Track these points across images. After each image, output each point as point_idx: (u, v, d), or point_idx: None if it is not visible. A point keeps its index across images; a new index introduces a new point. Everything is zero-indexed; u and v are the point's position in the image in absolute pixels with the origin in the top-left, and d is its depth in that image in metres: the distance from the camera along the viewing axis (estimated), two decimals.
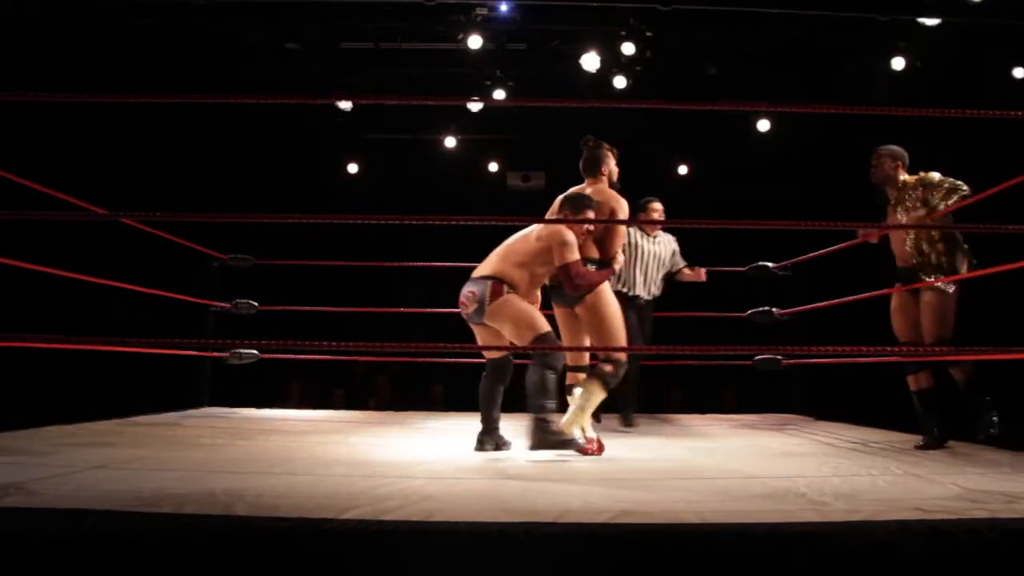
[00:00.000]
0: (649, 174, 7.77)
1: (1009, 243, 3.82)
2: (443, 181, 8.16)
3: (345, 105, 7.25)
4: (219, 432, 4.19)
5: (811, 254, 5.25)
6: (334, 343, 3.12)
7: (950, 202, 3.91)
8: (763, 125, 7.50)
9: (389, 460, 3.33)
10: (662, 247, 5.06)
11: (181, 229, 5.12)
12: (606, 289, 3.62)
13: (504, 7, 6.44)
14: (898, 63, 6.61)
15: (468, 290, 3.63)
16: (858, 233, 4.36)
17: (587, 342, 3.70)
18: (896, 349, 3.90)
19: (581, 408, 3.53)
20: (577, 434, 3.51)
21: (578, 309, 3.63)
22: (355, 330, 7.66)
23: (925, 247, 3.97)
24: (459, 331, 4.02)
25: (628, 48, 6.56)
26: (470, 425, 4.58)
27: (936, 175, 4.01)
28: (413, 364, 7.33)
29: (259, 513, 2.10)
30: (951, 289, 3.89)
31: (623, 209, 3.72)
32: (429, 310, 5.68)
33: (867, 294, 4.51)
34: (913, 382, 4.04)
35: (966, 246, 3.97)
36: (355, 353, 6.50)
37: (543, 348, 3.40)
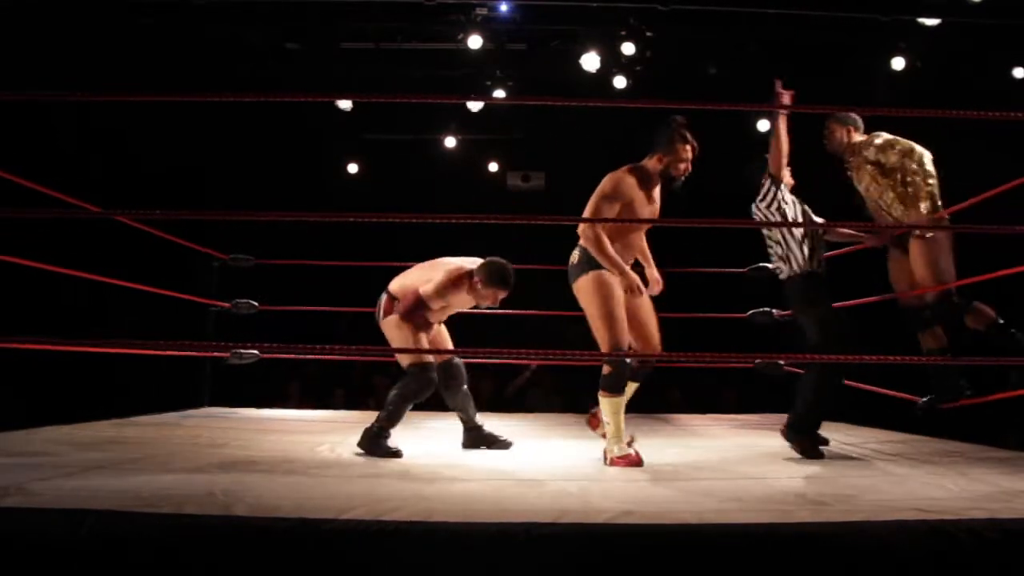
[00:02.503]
0: None
1: (1014, 244, 3.83)
2: (443, 181, 8.15)
3: (345, 105, 7.25)
4: (219, 432, 4.19)
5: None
6: (334, 344, 3.13)
7: (914, 166, 3.83)
8: (763, 125, 7.49)
9: (389, 460, 3.33)
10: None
11: (181, 229, 5.12)
12: (610, 286, 3.38)
13: (504, 7, 6.44)
14: (898, 63, 6.60)
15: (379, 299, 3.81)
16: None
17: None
18: (896, 359, 3.76)
19: (608, 426, 3.41)
20: (618, 448, 3.36)
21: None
22: (355, 330, 7.67)
23: (882, 204, 3.92)
24: (457, 330, 4.02)
25: (628, 48, 6.55)
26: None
27: (884, 136, 3.93)
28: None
29: (259, 513, 2.10)
30: (928, 235, 3.79)
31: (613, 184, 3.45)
32: None
33: (870, 299, 4.51)
34: (926, 340, 3.92)
35: (926, 188, 3.82)
36: (355, 353, 6.49)
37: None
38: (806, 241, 3.80)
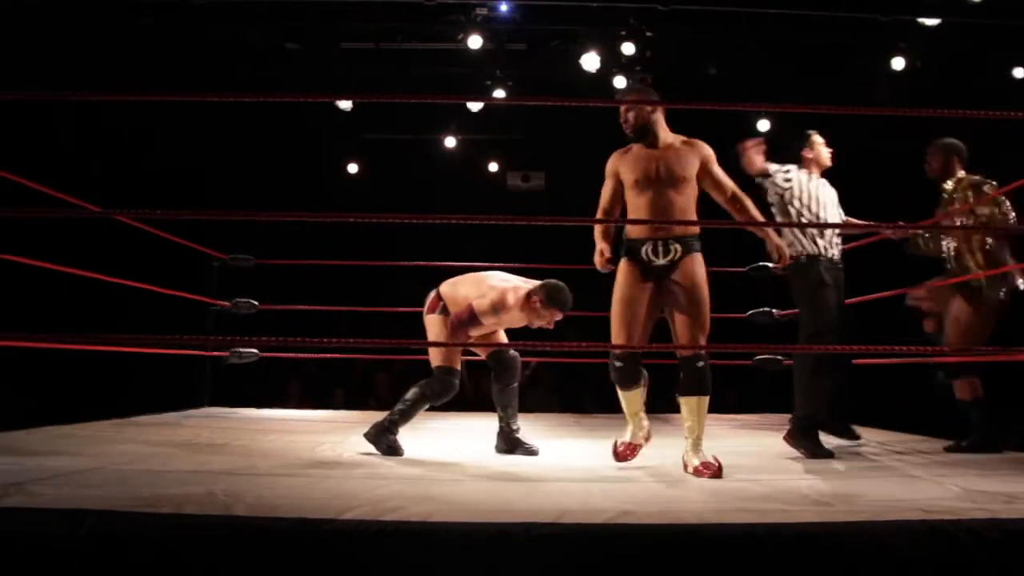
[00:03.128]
0: None
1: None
2: (443, 181, 8.16)
3: (345, 105, 7.25)
4: (219, 432, 4.19)
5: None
6: (334, 341, 3.12)
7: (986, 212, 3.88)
8: (763, 125, 7.49)
9: (389, 460, 3.33)
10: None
11: (181, 229, 5.12)
12: (620, 281, 3.27)
13: (504, 7, 6.44)
14: (898, 63, 6.60)
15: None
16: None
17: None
18: (895, 349, 3.79)
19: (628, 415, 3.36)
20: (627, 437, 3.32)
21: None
22: (355, 329, 7.68)
23: (966, 257, 3.93)
24: None
25: (628, 48, 6.55)
26: (470, 425, 4.59)
27: (990, 185, 3.93)
28: (413, 363, 7.33)
29: (259, 513, 2.10)
30: (970, 299, 3.84)
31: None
32: None
33: (869, 295, 4.51)
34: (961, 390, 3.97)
35: (1009, 260, 3.86)
36: (355, 352, 6.49)
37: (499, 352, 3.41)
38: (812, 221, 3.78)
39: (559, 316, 3.60)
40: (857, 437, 4.06)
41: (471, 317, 3.58)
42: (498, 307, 3.56)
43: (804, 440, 3.63)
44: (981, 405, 3.89)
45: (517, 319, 3.66)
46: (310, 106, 7.46)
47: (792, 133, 4.01)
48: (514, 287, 3.64)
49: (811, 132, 3.99)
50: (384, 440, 3.49)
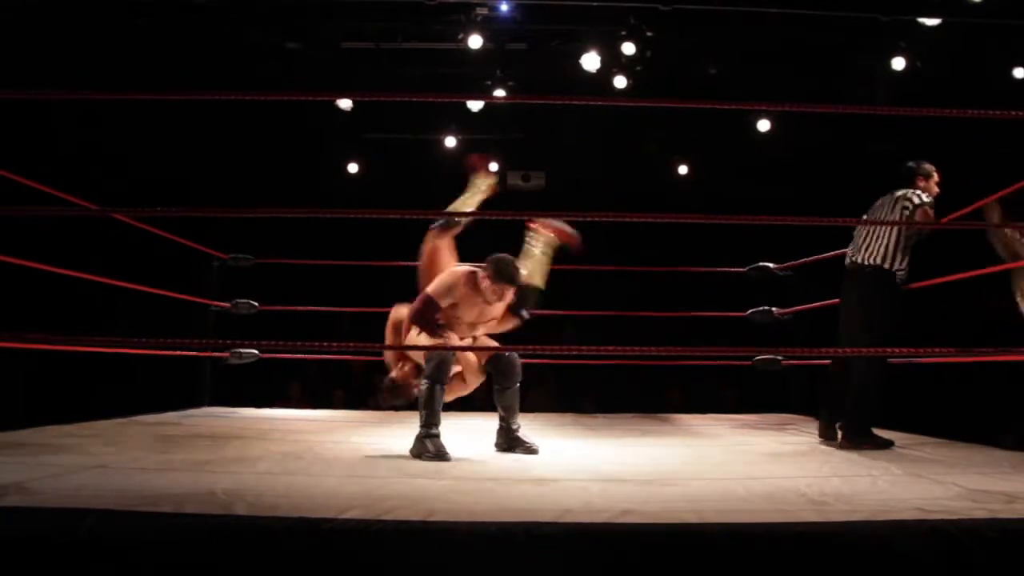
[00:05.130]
0: (649, 173, 7.78)
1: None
2: (443, 181, 8.15)
3: (345, 105, 7.24)
4: (219, 432, 4.19)
5: (812, 257, 5.26)
6: (334, 343, 3.12)
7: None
8: (763, 125, 7.49)
9: (389, 460, 3.33)
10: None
11: (181, 228, 5.12)
12: None
13: (504, 7, 6.44)
14: (898, 63, 6.60)
15: None
16: None
17: None
18: (893, 350, 3.80)
19: None
20: None
21: None
22: (355, 330, 7.68)
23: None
24: None
25: (628, 48, 6.55)
26: (470, 424, 4.58)
27: None
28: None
29: (259, 513, 2.10)
30: None
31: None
32: None
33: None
34: None
35: None
36: (355, 353, 6.49)
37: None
38: (900, 240, 3.91)
39: (510, 290, 3.55)
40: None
41: (429, 301, 3.54)
42: (448, 285, 3.53)
43: (870, 438, 3.77)
44: None
45: (474, 301, 3.61)
46: (310, 106, 7.46)
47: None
48: (463, 266, 3.62)
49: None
50: (424, 447, 3.38)
